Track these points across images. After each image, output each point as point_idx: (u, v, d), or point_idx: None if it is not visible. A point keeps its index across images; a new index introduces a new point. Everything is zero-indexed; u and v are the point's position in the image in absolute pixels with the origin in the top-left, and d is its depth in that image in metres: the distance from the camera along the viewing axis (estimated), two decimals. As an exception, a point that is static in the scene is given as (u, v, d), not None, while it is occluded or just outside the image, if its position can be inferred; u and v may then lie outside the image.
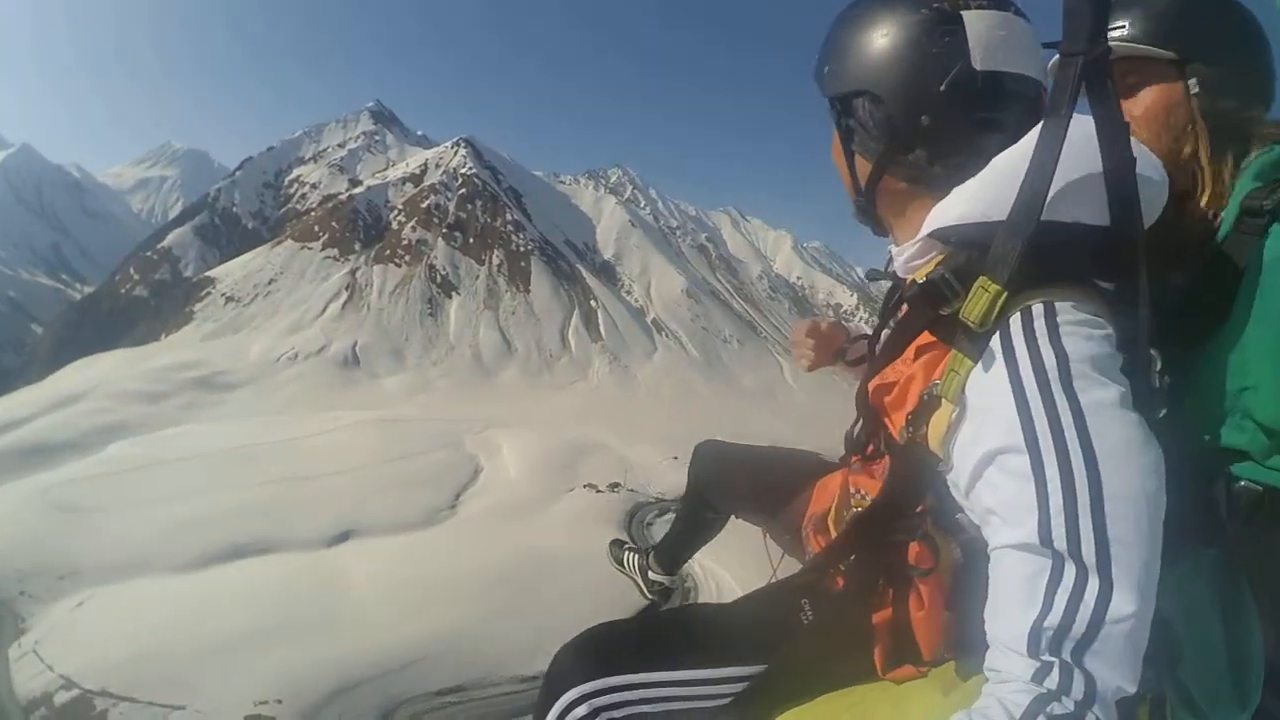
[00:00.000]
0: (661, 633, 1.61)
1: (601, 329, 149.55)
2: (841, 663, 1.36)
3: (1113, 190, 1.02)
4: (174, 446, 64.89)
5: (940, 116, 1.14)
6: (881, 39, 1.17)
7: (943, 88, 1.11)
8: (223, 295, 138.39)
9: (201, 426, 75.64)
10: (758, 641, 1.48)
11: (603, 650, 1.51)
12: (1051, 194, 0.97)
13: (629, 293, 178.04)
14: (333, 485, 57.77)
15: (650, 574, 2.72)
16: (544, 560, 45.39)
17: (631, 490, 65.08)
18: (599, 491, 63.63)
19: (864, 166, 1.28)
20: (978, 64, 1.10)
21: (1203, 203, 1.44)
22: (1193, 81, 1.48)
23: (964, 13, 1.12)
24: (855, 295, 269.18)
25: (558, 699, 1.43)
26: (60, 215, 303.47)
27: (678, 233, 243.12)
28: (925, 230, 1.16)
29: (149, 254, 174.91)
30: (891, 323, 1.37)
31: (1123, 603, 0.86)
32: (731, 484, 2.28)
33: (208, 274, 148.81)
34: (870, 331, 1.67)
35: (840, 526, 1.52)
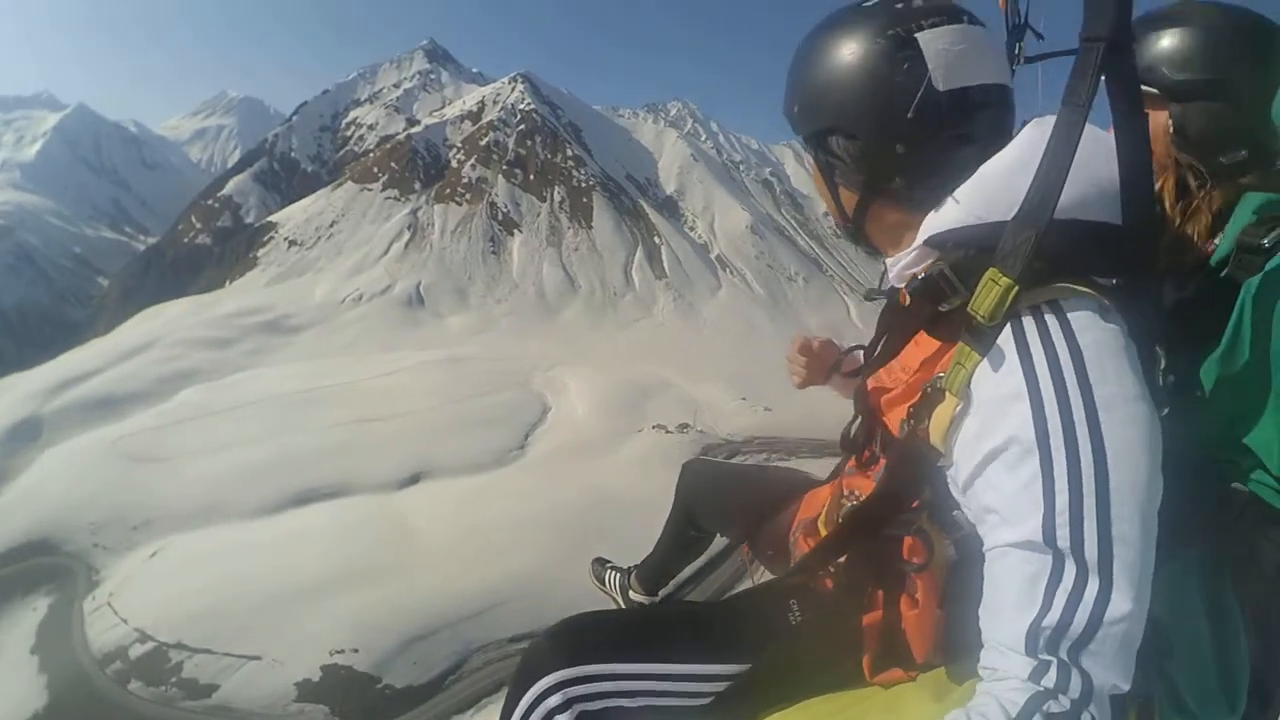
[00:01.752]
0: (644, 625, 1.59)
1: (665, 266, 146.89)
2: (828, 665, 1.35)
3: (1128, 186, 1.01)
4: (242, 392, 65.09)
5: (913, 143, 1.14)
6: (844, 75, 1.17)
7: (910, 114, 1.11)
8: (285, 239, 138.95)
9: (269, 370, 75.80)
10: (743, 640, 1.47)
11: (582, 638, 1.47)
12: (1067, 186, 0.97)
13: (692, 229, 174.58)
14: (401, 426, 57.18)
15: (631, 594, 2.71)
16: (615, 502, 44.17)
17: (701, 431, 63.46)
18: (668, 432, 62.19)
19: (849, 197, 1.28)
20: (940, 84, 1.10)
21: (1175, 232, 1.46)
22: (1168, 120, 1.47)
23: (918, 35, 1.11)
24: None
25: (531, 686, 1.40)
26: (120, 169, 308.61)
27: (741, 167, 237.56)
28: (920, 239, 1.16)
29: (210, 202, 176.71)
30: (888, 330, 1.36)
31: (1121, 603, 0.86)
32: (720, 502, 2.27)
33: (269, 219, 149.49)
34: (857, 344, 1.71)
35: (831, 528, 1.49)
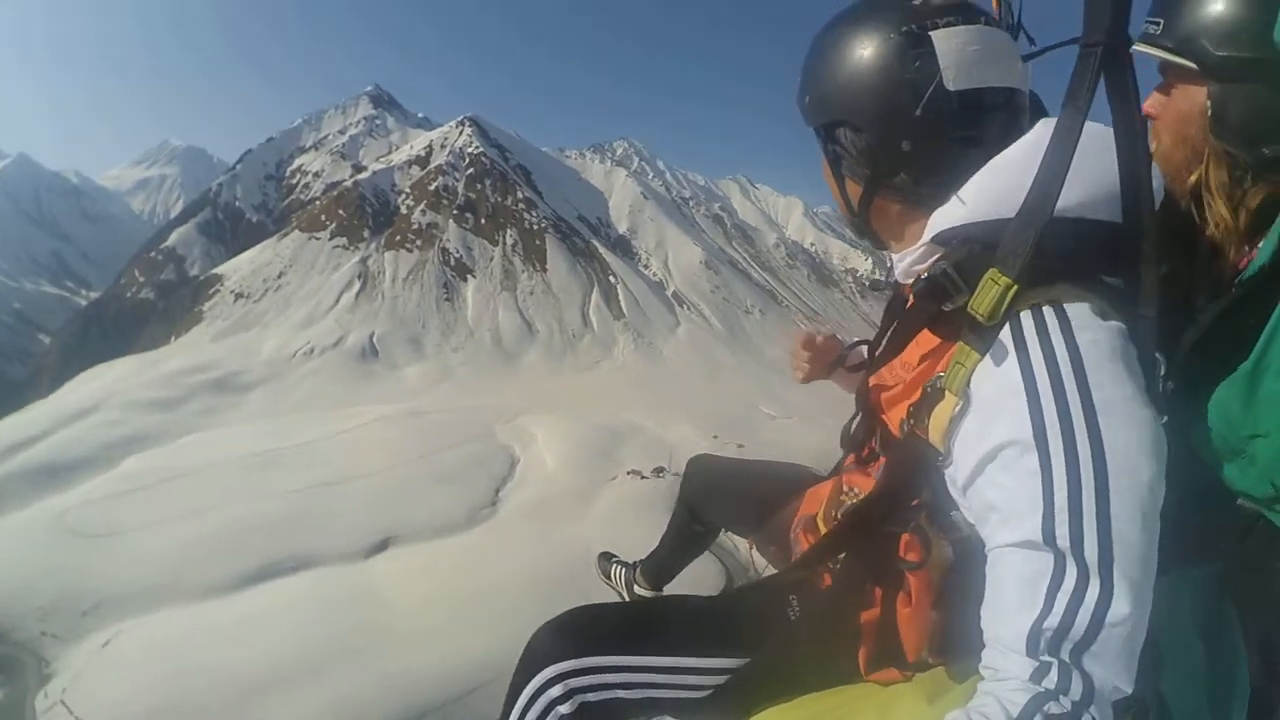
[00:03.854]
0: (645, 618, 1.62)
1: (623, 305, 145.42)
2: (826, 661, 1.38)
3: (1126, 186, 1.01)
4: (192, 456, 61.16)
5: (920, 140, 1.16)
6: (856, 69, 1.19)
7: (919, 112, 1.13)
8: (231, 292, 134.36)
9: (219, 432, 71.83)
10: (743, 634, 1.51)
11: (583, 630, 1.51)
12: (1066, 187, 0.97)
13: (646, 266, 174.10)
14: (364, 488, 53.19)
15: (636, 588, 2.88)
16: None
17: (676, 475, 60.71)
18: (644, 478, 59.59)
19: (854, 189, 1.31)
20: (951, 84, 1.11)
21: (1211, 233, 1.40)
22: (1206, 100, 1.38)
23: (932, 34, 1.12)
24: (870, 259, 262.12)
25: (533, 677, 1.43)
26: (60, 222, 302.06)
27: (690, 203, 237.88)
28: (927, 235, 1.18)
29: (153, 254, 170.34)
30: (892, 327, 1.39)
31: (1122, 605, 0.86)
32: (723, 497, 2.38)
33: (214, 271, 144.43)
34: (861, 339, 1.82)
35: (831, 525, 1.52)
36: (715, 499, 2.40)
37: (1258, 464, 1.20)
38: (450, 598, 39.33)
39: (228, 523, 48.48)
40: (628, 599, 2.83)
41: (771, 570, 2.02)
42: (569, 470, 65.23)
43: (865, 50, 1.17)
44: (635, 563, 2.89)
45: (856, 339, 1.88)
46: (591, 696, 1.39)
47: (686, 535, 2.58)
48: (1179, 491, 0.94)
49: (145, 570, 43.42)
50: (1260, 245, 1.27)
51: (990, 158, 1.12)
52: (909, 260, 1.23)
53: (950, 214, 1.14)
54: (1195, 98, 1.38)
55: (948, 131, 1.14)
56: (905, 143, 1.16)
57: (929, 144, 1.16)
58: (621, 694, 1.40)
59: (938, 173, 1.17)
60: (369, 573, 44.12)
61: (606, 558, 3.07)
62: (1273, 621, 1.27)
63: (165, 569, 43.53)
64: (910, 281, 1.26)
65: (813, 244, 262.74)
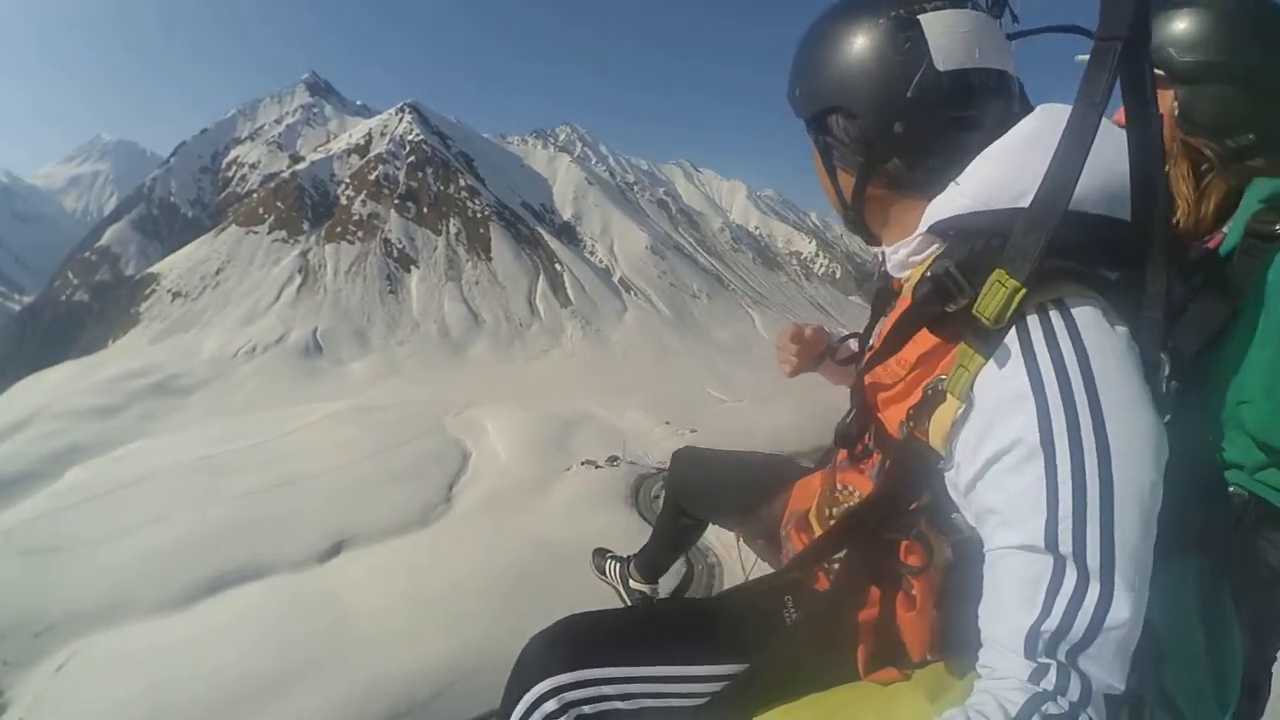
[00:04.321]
0: (639, 626, 1.60)
1: (569, 292, 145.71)
2: (824, 663, 1.36)
3: (1138, 185, 1.03)
4: (135, 465, 59.99)
5: (912, 122, 1.16)
6: (845, 54, 1.20)
7: (910, 93, 1.13)
8: (169, 291, 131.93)
9: (162, 439, 70.67)
10: (739, 639, 1.50)
11: (577, 641, 1.49)
12: (1079, 189, 0.98)
13: (592, 253, 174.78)
14: (314, 490, 52.70)
15: (631, 582, 2.78)
16: (558, 550, 41.27)
17: (631, 463, 61.23)
18: (598, 467, 59.83)
19: (846, 179, 1.29)
20: (940, 65, 1.12)
21: (1179, 224, 1.50)
22: (1174, 102, 1.50)
23: (921, 16, 1.14)
24: (814, 241, 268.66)
25: (527, 691, 1.42)
26: None
27: (635, 189, 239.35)
28: (923, 226, 1.17)
29: (87, 255, 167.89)
30: (883, 320, 1.37)
31: (1121, 609, 0.89)
32: (709, 491, 2.31)
33: (150, 270, 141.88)
34: (849, 331, 1.78)
35: (824, 523, 1.51)
36: (700, 493, 2.34)
37: (1246, 428, 1.28)
38: (410, 600, 39.14)
39: (178, 533, 47.52)
40: (623, 593, 2.81)
41: (759, 561, 2.08)
42: (522, 462, 64.91)
43: (855, 36, 1.17)
44: (629, 557, 2.84)
45: (846, 332, 1.85)
46: (587, 709, 1.38)
47: (676, 529, 2.52)
48: (1179, 488, 0.97)
49: (97, 587, 42.47)
50: (1229, 228, 1.37)
51: (986, 142, 1.12)
52: (904, 252, 1.21)
53: (947, 203, 1.13)
54: (1164, 100, 1.46)
55: (940, 112, 1.13)
56: (898, 124, 1.15)
57: (921, 125, 1.15)
58: (619, 705, 1.39)
59: (932, 156, 1.16)
60: (327, 578, 43.67)
61: (601, 554, 3.00)
62: (1261, 600, 1.34)
63: (117, 584, 42.60)
64: (905, 275, 1.25)
65: (757, 227, 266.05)
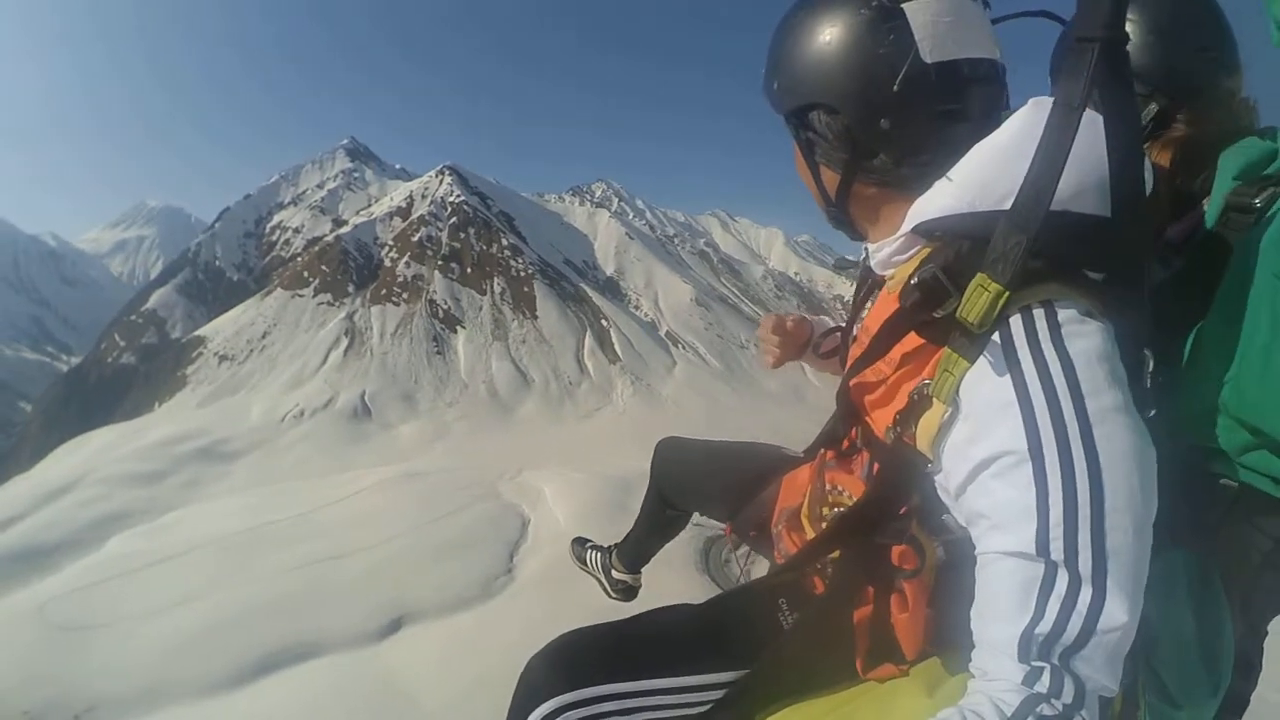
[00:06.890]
0: (637, 639, 1.60)
1: (617, 348, 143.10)
2: (822, 664, 1.37)
3: (1118, 181, 0.99)
4: (180, 534, 57.80)
5: (899, 117, 1.12)
6: (826, 47, 1.14)
7: (896, 87, 1.08)
8: (215, 354, 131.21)
9: (208, 506, 68.51)
10: (737, 645, 1.51)
11: (577, 659, 1.49)
12: (1059, 188, 0.95)
13: (637, 307, 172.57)
14: (369, 562, 49.98)
15: (614, 573, 2.79)
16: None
17: (696, 525, 57.89)
18: (664, 530, 56.83)
19: (830, 176, 1.26)
20: (927, 56, 1.08)
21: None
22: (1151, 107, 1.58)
23: (905, 5, 1.09)
24: (855, 284, 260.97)
25: (530, 714, 1.41)
26: (39, 286, 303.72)
27: (674, 241, 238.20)
28: (908, 225, 1.14)
29: (133, 318, 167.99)
30: (864, 315, 1.39)
31: (1114, 613, 0.87)
32: (693, 481, 2.31)
33: (197, 333, 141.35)
34: (833, 324, 1.84)
35: (816, 523, 1.51)
36: (686, 484, 2.29)
37: (1230, 410, 1.25)
38: (472, 681, 35.56)
39: (223, 609, 44.56)
40: (606, 583, 2.76)
41: (751, 554, 1.98)
42: (583, 527, 61.09)
43: (836, 28, 1.12)
44: (610, 547, 2.76)
45: (829, 325, 1.84)
46: None
47: (659, 519, 2.46)
48: (1167, 480, 0.96)
49: (139, 666, 39.48)
50: (1205, 208, 1.37)
51: (973, 134, 1.09)
52: (888, 251, 1.19)
53: (932, 203, 1.10)
54: None
55: (927, 105, 1.10)
56: (884, 120, 1.11)
57: (908, 120, 1.11)
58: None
59: (919, 151, 1.13)
60: (383, 658, 40.36)
61: (580, 543, 2.92)
62: (1251, 584, 1.34)
63: (161, 664, 39.61)
64: (888, 274, 1.22)
65: (797, 273, 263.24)
